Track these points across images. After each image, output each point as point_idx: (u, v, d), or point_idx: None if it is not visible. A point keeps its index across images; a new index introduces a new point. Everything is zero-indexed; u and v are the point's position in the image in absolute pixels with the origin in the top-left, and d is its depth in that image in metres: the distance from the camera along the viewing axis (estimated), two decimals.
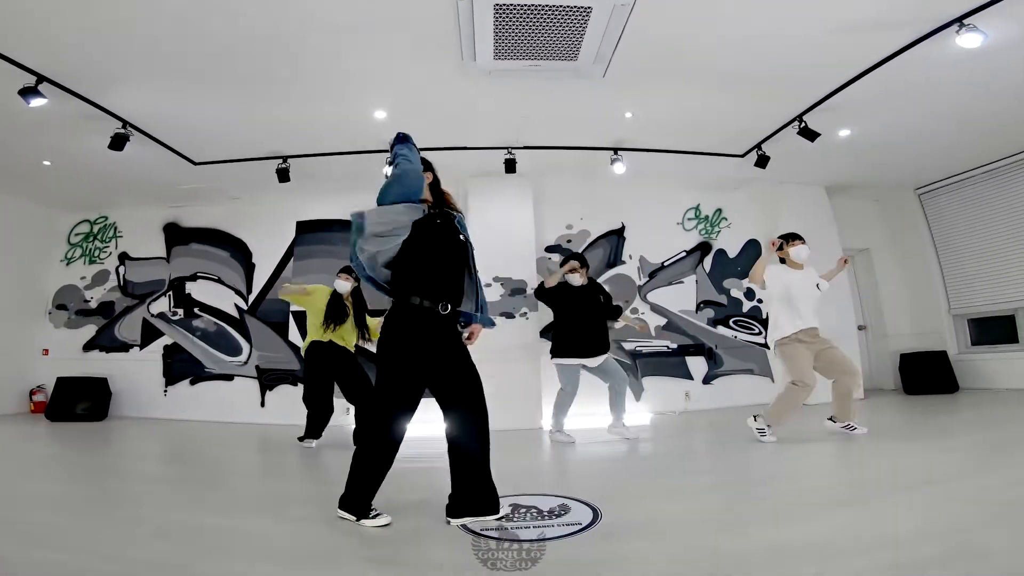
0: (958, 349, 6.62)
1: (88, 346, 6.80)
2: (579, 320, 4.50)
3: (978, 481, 2.64)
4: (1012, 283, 6.19)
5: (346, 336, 4.55)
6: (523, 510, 2.54)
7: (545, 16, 3.35)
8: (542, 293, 4.80)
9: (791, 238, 4.18)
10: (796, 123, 4.93)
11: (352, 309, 4.60)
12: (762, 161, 5.49)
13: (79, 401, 6.18)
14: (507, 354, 5.60)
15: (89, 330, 6.85)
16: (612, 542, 2.10)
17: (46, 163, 5.49)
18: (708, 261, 6.73)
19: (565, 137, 5.31)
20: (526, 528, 2.30)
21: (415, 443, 4.61)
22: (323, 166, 5.60)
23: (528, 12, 3.31)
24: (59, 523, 2.36)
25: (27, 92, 3.82)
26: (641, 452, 4.17)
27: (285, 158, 5.42)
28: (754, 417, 4.02)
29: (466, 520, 2.31)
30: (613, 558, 1.93)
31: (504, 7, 3.25)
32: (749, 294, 6.67)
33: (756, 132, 5.31)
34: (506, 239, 5.83)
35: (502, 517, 2.36)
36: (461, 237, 2.49)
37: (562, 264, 4.73)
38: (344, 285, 4.57)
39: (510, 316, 5.84)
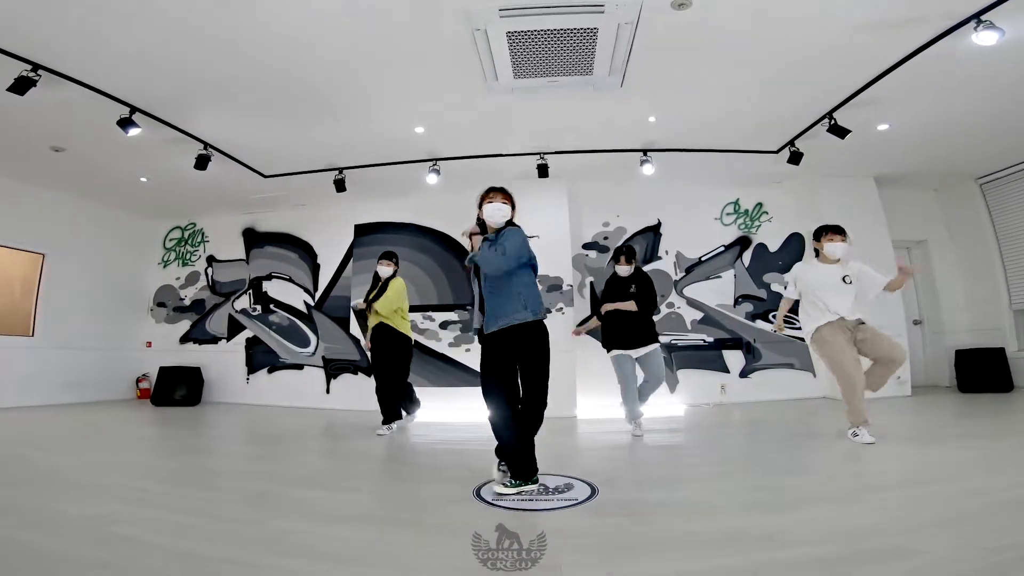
0: (1018, 346, 6.29)
1: (184, 339, 7.81)
2: (621, 314, 4.44)
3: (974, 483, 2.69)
4: None
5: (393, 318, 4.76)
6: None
7: (554, 39, 3.65)
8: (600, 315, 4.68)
9: (827, 231, 3.90)
10: (826, 120, 4.94)
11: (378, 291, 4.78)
12: (795, 158, 5.49)
13: (177, 388, 7.13)
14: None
15: (184, 325, 7.85)
16: (598, 517, 2.40)
17: (143, 179, 6.41)
18: (748, 255, 6.76)
19: (594, 142, 5.56)
20: (530, 501, 2.69)
21: (456, 428, 5.07)
22: (374, 175, 6.16)
23: (538, 36, 3.63)
24: (165, 490, 2.97)
25: (124, 123, 4.57)
26: (660, 442, 4.33)
27: (341, 170, 6.03)
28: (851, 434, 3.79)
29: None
30: (592, 530, 2.23)
31: (516, 33, 3.58)
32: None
33: (787, 129, 5.33)
34: (543, 239, 6.14)
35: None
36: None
37: (613, 259, 4.65)
38: (384, 270, 4.82)
39: (547, 311, 6.17)
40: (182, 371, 7.25)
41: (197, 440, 4.92)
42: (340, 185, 6.09)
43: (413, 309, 6.66)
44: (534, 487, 2.80)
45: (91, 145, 5.38)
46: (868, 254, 6.24)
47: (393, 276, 4.88)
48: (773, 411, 5.61)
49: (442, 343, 6.76)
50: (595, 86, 4.29)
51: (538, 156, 5.67)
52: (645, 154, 5.63)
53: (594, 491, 2.86)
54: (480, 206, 3.01)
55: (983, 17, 3.48)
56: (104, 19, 3.48)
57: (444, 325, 6.79)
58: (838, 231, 3.87)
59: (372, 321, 4.80)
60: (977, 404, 5.37)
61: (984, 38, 3.53)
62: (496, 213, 2.96)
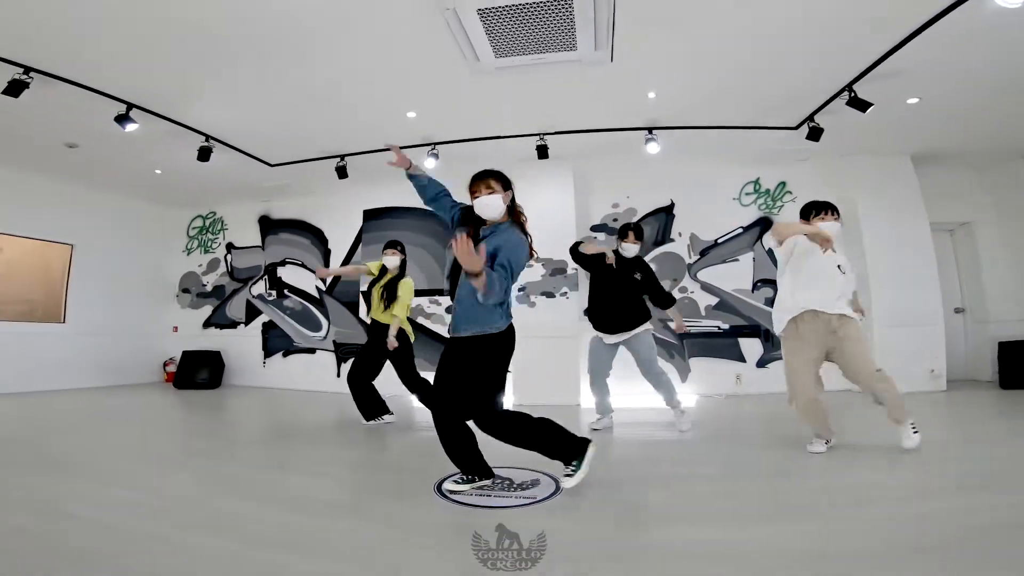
0: None
1: (206, 324, 8.08)
2: (608, 293, 4.17)
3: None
4: None
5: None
6: (498, 481, 2.80)
7: (529, 13, 3.44)
8: (577, 256, 4.32)
9: (820, 209, 3.32)
10: (846, 93, 4.53)
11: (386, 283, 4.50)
12: (814, 134, 5.08)
13: (198, 371, 7.38)
14: (547, 332, 5.78)
15: (206, 310, 8.12)
16: (551, 518, 2.29)
17: (157, 172, 6.57)
18: (768, 238, 6.36)
19: (596, 120, 5.29)
20: (487, 496, 2.61)
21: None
22: (375, 161, 6.08)
23: (512, 11, 3.42)
24: (142, 470, 3.12)
25: (121, 119, 4.65)
26: (655, 437, 4.07)
27: (342, 156, 6.00)
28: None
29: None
30: (540, 530, 2.07)
31: (487, 10, 3.39)
32: None
33: (805, 103, 4.91)
34: (547, 222, 5.89)
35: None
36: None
37: (620, 236, 4.26)
38: (392, 260, 4.50)
39: (550, 296, 6.02)
40: (203, 355, 7.50)
41: (198, 422, 5.10)
42: (342, 172, 6.07)
43: (420, 293, 6.65)
44: (487, 481, 2.72)
45: (99, 141, 5.50)
46: (904, 238, 5.87)
47: (402, 271, 4.60)
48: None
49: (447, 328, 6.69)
50: (583, 62, 4.05)
51: (538, 137, 5.46)
52: (650, 132, 5.33)
53: (558, 489, 2.75)
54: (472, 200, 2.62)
55: None
56: (87, 19, 3.51)
57: (450, 310, 6.71)
58: (832, 209, 3.33)
59: (380, 316, 4.51)
60: (1014, 403, 4.91)
61: None
62: (486, 208, 2.54)
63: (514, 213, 2.66)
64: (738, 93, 4.76)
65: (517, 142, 5.61)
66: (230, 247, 8.10)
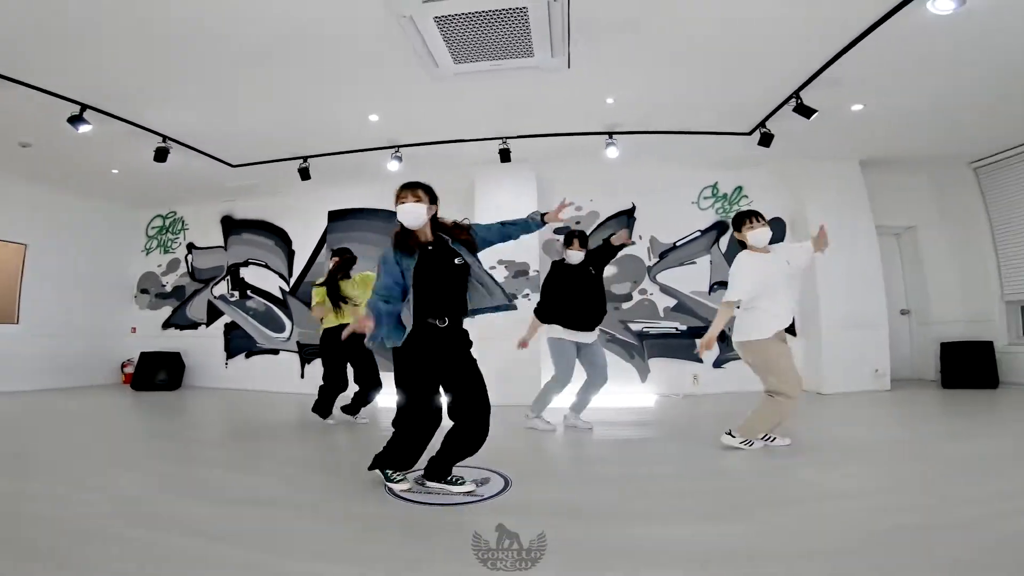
0: (1008, 339, 6.00)
1: (166, 324, 7.93)
2: (577, 298, 4.18)
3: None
4: None
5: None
6: (452, 478, 2.83)
7: (485, 21, 3.50)
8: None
9: (749, 217, 3.55)
10: (794, 100, 4.70)
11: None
12: (765, 140, 5.26)
13: (158, 372, 7.25)
14: (508, 332, 5.82)
15: (166, 311, 7.98)
16: (496, 515, 2.30)
17: (114, 171, 6.43)
18: (724, 241, 6.55)
19: (556, 125, 5.38)
20: (436, 494, 2.68)
21: None
22: (339, 163, 6.09)
23: (468, 19, 3.47)
24: (94, 468, 3.16)
25: (74, 120, 4.55)
26: (605, 436, 4.17)
27: (305, 158, 5.97)
28: (729, 433, 3.55)
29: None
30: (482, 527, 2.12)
31: (444, 18, 3.44)
32: None
33: (755, 110, 5.09)
34: None
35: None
36: (456, 261, 2.70)
37: (565, 243, 4.30)
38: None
39: (512, 297, 6.07)
40: (162, 356, 7.37)
41: (149, 424, 5.07)
42: (304, 173, 6.03)
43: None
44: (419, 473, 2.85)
45: (54, 141, 5.37)
46: (851, 241, 6.10)
47: (344, 272, 4.72)
48: (745, 403, 5.42)
49: None
50: (541, 68, 4.12)
51: (500, 140, 5.53)
52: (610, 136, 5.45)
53: (506, 487, 2.81)
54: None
55: None
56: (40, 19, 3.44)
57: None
58: (760, 216, 3.55)
59: (343, 319, 4.61)
60: (952, 402, 5.16)
61: (941, 6, 3.28)
62: (408, 215, 2.59)
63: (445, 226, 2.76)
64: (693, 99, 4.89)
65: (480, 145, 5.66)
66: (191, 247, 7.97)
